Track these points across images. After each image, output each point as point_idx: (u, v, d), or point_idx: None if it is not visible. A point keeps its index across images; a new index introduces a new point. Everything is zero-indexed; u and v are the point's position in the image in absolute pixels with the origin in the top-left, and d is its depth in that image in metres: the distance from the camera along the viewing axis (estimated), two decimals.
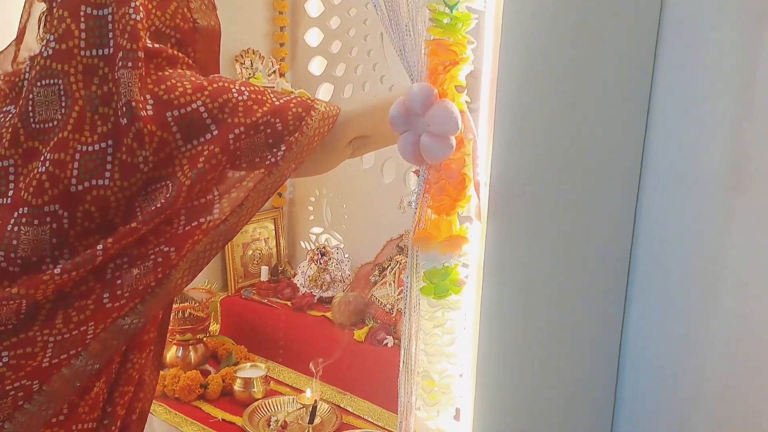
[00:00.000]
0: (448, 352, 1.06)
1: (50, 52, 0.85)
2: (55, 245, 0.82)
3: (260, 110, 0.91)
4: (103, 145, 0.83)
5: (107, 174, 0.83)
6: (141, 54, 0.86)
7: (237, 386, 1.73)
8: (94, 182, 0.83)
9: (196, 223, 0.89)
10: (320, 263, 2.11)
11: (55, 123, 0.84)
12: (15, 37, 0.96)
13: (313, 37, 2.16)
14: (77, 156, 0.83)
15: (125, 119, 0.83)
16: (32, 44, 0.94)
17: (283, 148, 0.92)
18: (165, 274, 0.88)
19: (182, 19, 0.94)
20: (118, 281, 0.85)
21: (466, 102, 1.03)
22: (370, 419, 1.64)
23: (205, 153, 0.87)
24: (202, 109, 0.87)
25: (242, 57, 2.06)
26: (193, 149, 0.87)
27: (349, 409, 1.69)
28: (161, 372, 1.74)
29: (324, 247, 2.13)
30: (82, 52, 0.85)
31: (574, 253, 1.30)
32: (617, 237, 1.48)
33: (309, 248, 2.25)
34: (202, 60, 0.97)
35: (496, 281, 1.09)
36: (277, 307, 2.05)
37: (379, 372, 1.69)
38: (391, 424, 1.61)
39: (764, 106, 1.40)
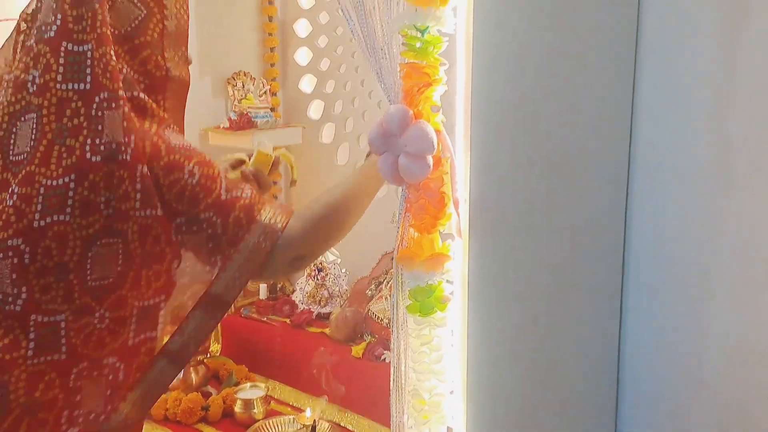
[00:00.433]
0: (436, 369, 1.07)
1: (34, 88, 0.87)
2: (15, 281, 0.83)
3: (204, 201, 0.89)
4: (66, 179, 0.84)
5: (68, 210, 0.84)
6: (122, 93, 0.88)
7: (237, 408, 1.74)
8: (56, 218, 0.84)
9: (143, 336, 0.91)
10: (318, 279, 2.13)
11: (25, 156, 0.86)
12: None
13: (302, 56, 2.18)
14: (42, 190, 0.84)
15: (99, 157, 0.85)
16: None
17: (220, 261, 0.91)
18: (114, 406, 0.90)
19: (155, 66, 0.95)
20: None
21: (442, 121, 1.04)
22: None
23: (153, 232, 0.88)
24: (155, 180, 0.88)
25: (234, 79, 2.08)
26: (146, 218, 0.87)
27: (349, 427, 1.70)
28: (162, 395, 1.75)
29: (321, 263, 2.14)
30: (58, 85, 0.86)
31: (560, 264, 1.31)
32: (606, 246, 1.49)
33: None
34: (171, 108, 0.97)
35: (481, 297, 1.10)
36: (276, 325, 2.06)
37: (377, 388, 1.69)
38: None
39: (746, 104, 1.41)
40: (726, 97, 1.42)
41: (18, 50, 0.93)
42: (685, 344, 1.59)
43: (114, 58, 0.89)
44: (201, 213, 0.89)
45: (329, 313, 2.03)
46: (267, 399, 1.81)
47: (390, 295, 1.88)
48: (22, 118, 0.87)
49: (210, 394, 1.87)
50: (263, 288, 2.20)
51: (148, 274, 0.90)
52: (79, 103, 0.86)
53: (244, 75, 2.08)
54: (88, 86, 0.87)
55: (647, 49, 1.50)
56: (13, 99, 0.89)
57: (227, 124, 1.95)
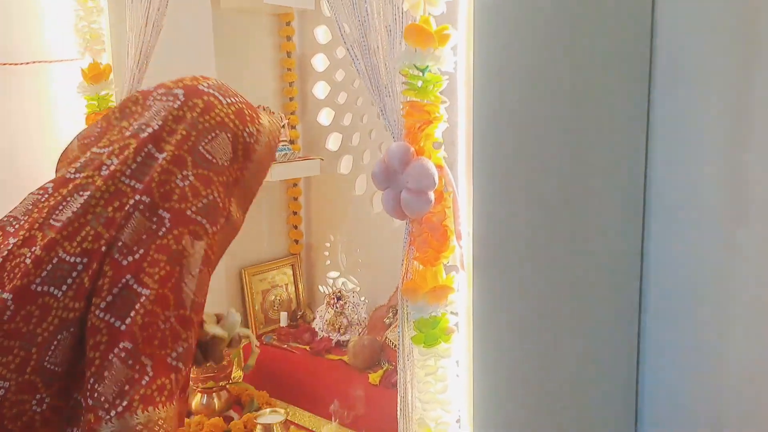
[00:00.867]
0: (441, 399, 1.09)
1: (105, 172, 0.94)
2: None
3: (150, 353, 0.90)
4: (77, 260, 0.90)
5: (64, 287, 0.89)
6: (162, 213, 0.95)
7: None
8: (51, 289, 0.89)
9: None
10: (336, 307, 2.16)
11: (60, 224, 0.92)
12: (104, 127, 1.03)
13: (320, 90, 2.25)
14: (55, 260, 0.90)
15: (118, 256, 0.91)
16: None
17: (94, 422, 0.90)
18: None
19: (220, 204, 1.00)
20: None
21: (444, 157, 1.08)
22: None
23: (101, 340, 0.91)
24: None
25: None
26: (107, 326, 0.91)
27: None
28: (186, 419, 1.79)
29: (340, 292, 2.18)
30: (123, 178, 0.94)
31: (569, 297, 1.32)
32: (621, 278, 1.49)
33: (327, 292, 2.30)
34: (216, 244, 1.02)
35: (486, 328, 1.12)
36: (296, 352, 2.09)
37: (393, 414, 1.71)
38: None
39: (761, 137, 1.42)
40: (741, 130, 1.43)
41: (113, 128, 1.01)
42: (704, 382, 1.58)
43: (182, 179, 0.96)
44: (140, 356, 0.90)
45: (348, 341, 2.05)
46: (287, 424, 1.83)
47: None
48: (81, 192, 0.94)
49: (232, 419, 1.91)
50: (284, 316, 2.25)
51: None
52: (125, 200, 0.93)
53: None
54: (140, 186, 0.94)
55: (661, 84, 1.51)
56: (85, 173, 0.96)
57: None
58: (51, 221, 0.93)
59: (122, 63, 1.63)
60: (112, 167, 0.95)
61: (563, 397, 1.33)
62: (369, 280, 2.23)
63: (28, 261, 0.90)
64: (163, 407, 0.91)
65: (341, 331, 2.15)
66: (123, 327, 0.90)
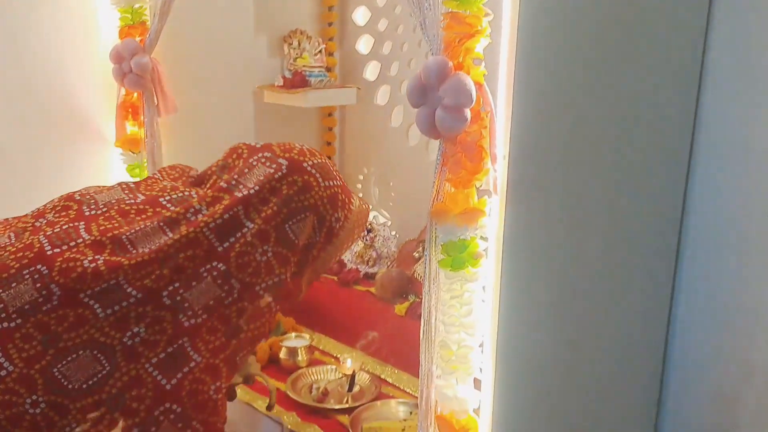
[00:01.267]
0: (465, 323, 1.08)
1: (192, 217, 0.99)
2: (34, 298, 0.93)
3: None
4: (134, 293, 0.94)
5: (109, 311, 0.93)
6: (235, 282, 1.01)
7: (282, 354, 1.81)
8: (95, 306, 0.93)
9: None
10: (366, 240, 2.16)
11: (132, 249, 0.97)
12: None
13: (360, 15, 2.18)
14: (113, 282, 0.93)
15: (169, 301, 0.97)
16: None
17: None
18: None
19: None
20: None
21: (484, 74, 1.03)
22: (408, 390, 1.68)
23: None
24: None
25: (290, 37, 2.11)
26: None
27: (389, 380, 1.74)
28: None
29: (370, 224, 2.17)
30: (205, 229, 0.98)
31: (605, 230, 1.28)
32: (660, 217, 1.44)
33: None
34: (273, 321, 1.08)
35: (517, 255, 1.09)
36: (324, 282, 2.11)
37: (417, 344, 1.72)
38: None
39: None
40: None
41: (213, 174, 1.05)
42: (737, 332, 1.54)
43: (261, 254, 0.99)
44: (191, 421, 0.96)
45: (376, 273, 2.06)
46: (311, 349, 1.86)
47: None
48: (164, 227, 0.97)
49: None
50: None
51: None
52: (199, 252, 0.96)
53: (301, 33, 2.10)
54: (219, 248, 0.97)
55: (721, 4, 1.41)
56: (176, 209, 0.98)
57: (281, 83, 1.98)
58: (125, 239, 0.95)
59: None
60: (200, 216, 0.97)
61: (590, 328, 1.30)
62: (400, 215, 2.22)
63: (88, 267, 0.91)
64: None
65: (370, 264, 2.15)
66: (168, 386, 0.93)
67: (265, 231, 0.99)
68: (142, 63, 1.65)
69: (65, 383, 0.91)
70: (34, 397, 0.90)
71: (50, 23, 1.73)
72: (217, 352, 0.96)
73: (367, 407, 1.60)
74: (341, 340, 1.93)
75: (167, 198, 1.00)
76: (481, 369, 1.10)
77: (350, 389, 1.66)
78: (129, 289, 0.92)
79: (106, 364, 0.92)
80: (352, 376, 1.67)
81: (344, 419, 1.55)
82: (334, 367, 1.77)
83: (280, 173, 1.00)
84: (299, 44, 2.08)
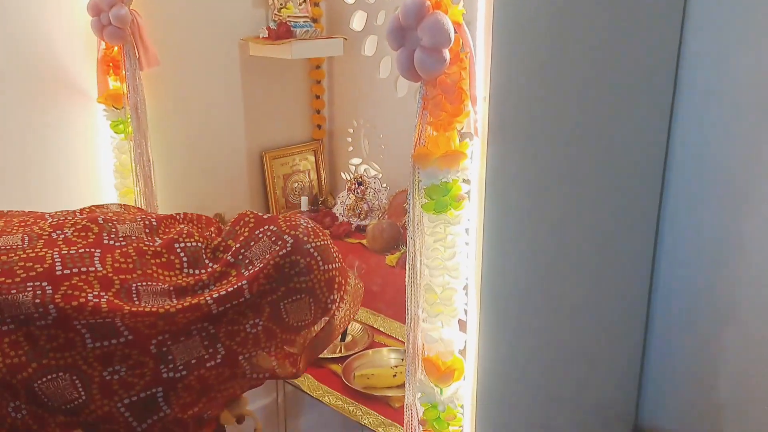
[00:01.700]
0: (449, 265, 1.09)
1: (193, 273, 1.04)
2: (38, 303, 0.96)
3: None
4: (126, 333, 0.96)
5: (98, 344, 0.95)
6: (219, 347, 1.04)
7: None
8: (86, 335, 0.94)
9: None
10: (357, 192, 2.16)
11: (134, 295, 0.99)
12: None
13: None
14: (108, 320, 0.95)
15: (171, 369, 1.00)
16: None
17: None
18: None
19: (290, 358, 1.09)
20: None
21: (462, 13, 1.01)
22: (400, 338, 1.70)
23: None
24: None
25: None
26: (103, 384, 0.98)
27: (381, 329, 1.76)
28: None
29: (361, 177, 2.17)
30: (206, 300, 1.02)
31: (588, 171, 1.28)
32: (645, 157, 1.44)
33: (349, 179, 2.29)
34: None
35: (498, 197, 1.09)
36: None
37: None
38: None
39: None
40: None
41: (222, 241, 1.07)
42: (720, 272, 1.55)
43: (252, 327, 1.02)
44: None
45: (367, 226, 2.06)
46: None
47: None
48: (171, 291, 1.00)
49: None
50: (305, 200, 2.26)
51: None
52: (197, 313, 0.99)
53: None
54: (215, 311, 1.00)
55: None
56: (183, 273, 1.03)
57: (266, 34, 1.95)
58: (133, 288, 0.98)
59: None
60: (206, 291, 1.01)
61: (574, 268, 1.31)
62: (391, 167, 2.21)
63: (90, 301, 0.93)
64: None
65: (361, 216, 2.16)
66: (139, 429, 0.97)
67: (261, 305, 1.03)
68: (120, 15, 1.62)
69: (45, 400, 0.94)
70: (17, 403, 0.93)
71: None
72: (185, 408, 1.00)
73: (359, 356, 1.63)
74: None
75: (182, 245, 1.05)
76: (465, 311, 1.12)
77: (343, 339, 1.68)
78: (122, 329, 0.95)
79: (82, 393, 0.95)
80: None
81: (336, 368, 1.58)
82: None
83: (284, 251, 1.03)
84: None
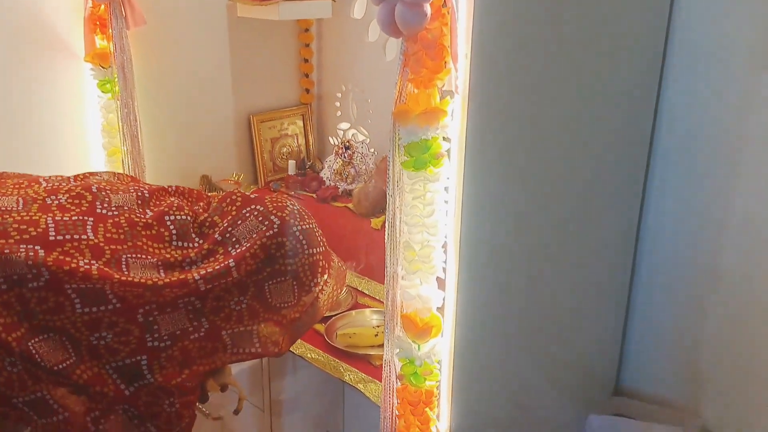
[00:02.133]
0: (427, 223, 1.10)
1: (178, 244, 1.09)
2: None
3: None
4: (115, 301, 1.00)
5: (87, 309, 0.99)
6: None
7: None
8: (75, 301, 0.98)
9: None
10: (345, 157, 2.16)
11: (124, 268, 1.02)
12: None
13: None
14: (98, 286, 0.98)
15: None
16: None
17: None
18: None
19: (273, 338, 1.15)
20: None
21: None
22: (383, 300, 1.72)
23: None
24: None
25: None
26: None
27: (366, 291, 1.78)
28: None
29: (348, 141, 2.17)
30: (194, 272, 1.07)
31: (573, 128, 1.28)
32: (634, 117, 1.44)
33: (336, 144, 2.29)
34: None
35: (479, 155, 1.10)
36: (302, 199, 2.12)
37: None
38: None
39: None
40: None
41: (209, 217, 1.10)
42: (706, 228, 1.57)
43: (236, 304, 1.07)
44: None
45: (353, 189, 2.07)
46: None
47: None
48: (160, 265, 1.03)
49: None
50: (292, 164, 2.26)
51: None
52: (183, 288, 1.02)
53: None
54: (202, 287, 1.03)
55: None
56: (171, 247, 1.06)
57: None
58: (123, 259, 1.00)
59: None
60: (194, 267, 1.04)
61: (556, 229, 1.33)
62: (379, 131, 2.20)
63: (81, 267, 0.96)
64: None
65: (348, 181, 2.16)
66: (127, 393, 1.02)
67: (246, 284, 1.06)
68: None
69: (38, 360, 0.97)
70: (13, 359, 0.96)
71: None
72: (168, 378, 1.04)
73: (342, 316, 1.65)
74: None
75: (172, 217, 1.07)
76: (444, 269, 1.13)
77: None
78: (111, 297, 0.98)
79: (72, 354, 0.99)
80: None
81: (320, 327, 1.60)
82: None
83: (271, 232, 1.07)
84: None
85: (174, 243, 1.07)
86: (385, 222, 1.87)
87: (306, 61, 2.28)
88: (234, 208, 1.11)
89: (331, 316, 1.64)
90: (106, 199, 1.06)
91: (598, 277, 1.57)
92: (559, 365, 1.52)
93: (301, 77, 2.31)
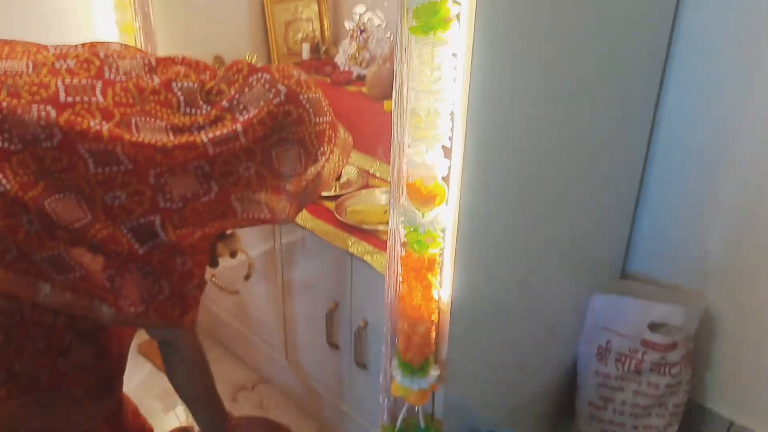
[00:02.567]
0: (434, 89, 1.09)
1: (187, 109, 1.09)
2: None
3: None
4: (128, 161, 1.02)
5: (100, 169, 1.01)
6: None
7: None
8: (88, 161, 1.00)
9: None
10: (360, 41, 2.11)
11: (136, 128, 1.03)
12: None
13: None
14: (111, 149, 1.00)
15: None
16: None
17: None
18: None
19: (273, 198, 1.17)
20: None
21: None
22: None
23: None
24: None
25: None
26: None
27: (377, 174, 1.80)
28: None
29: (364, 25, 2.11)
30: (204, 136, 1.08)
31: (583, 61, 1.23)
32: (645, 41, 1.37)
33: (351, 27, 2.23)
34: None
35: (489, 21, 1.07)
36: (317, 82, 2.11)
37: None
38: None
39: None
40: None
41: (215, 85, 1.11)
42: (723, 118, 1.54)
43: (245, 170, 1.08)
44: (159, 279, 1.09)
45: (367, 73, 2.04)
46: None
47: None
48: (168, 128, 1.04)
49: None
50: (306, 48, 2.22)
51: None
52: (192, 152, 1.05)
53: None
54: (210, 151, 1.05)
55: None
56: (179, 113, 1.07)
57: None
58: (133, 121, 1.01)
59: None
60: (202, 131, 1.04)
61: (569, 100, 1.30)
62: (395, 15, 2.14)
63: (93, 127, 0.97)
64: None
65: (363, 65, 2.13)
66: (141, 251, 1.04)
67: (253, 150, 1.07)
68: None
69: (54, 218, 1.00)
70: (30, 217, 0.99)
71: None
72: (181, 238, 1.06)
73: (352, 195, 1.68)
74: None
75: (179, 84, 1.07)
76: (450, 138, 1.13)
77: (338, 179, 1.73)
78: (123, 158, 1.00)
79: (87, 213, 1.01)
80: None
81: (330, 205, 1.63)
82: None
83: (278, 99, 1.07)
84: None
85: (182, 109, 1.09)
86: None
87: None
88: (240, 76, 1.11)
89: (341, 195, 1.66)
90: (114, 65, 1.07)
91: (612, 161, 1.56)
92: (566, 244, 1.54)
93: None
